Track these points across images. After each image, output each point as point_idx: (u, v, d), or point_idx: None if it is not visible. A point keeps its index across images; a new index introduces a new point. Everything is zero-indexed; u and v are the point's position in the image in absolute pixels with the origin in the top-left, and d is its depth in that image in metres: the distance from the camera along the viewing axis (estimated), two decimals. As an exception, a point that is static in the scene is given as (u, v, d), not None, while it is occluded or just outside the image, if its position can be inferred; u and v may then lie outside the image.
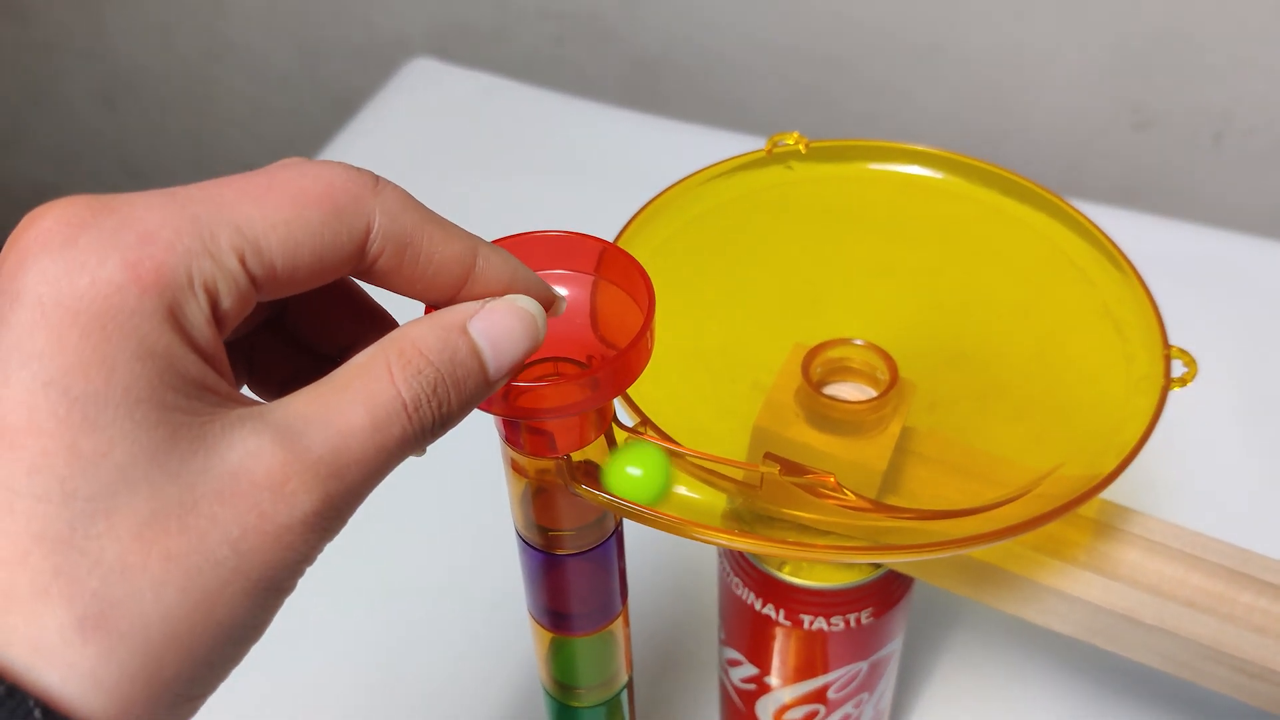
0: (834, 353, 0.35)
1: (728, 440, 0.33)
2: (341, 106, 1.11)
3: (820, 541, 0.30)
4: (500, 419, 0.26)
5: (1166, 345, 0.32)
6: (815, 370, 0.35)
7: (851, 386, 0.36)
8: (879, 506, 0.29)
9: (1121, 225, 0.68)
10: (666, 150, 0.72)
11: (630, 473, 0.29)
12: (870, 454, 0.34)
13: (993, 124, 0.95)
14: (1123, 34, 0.87)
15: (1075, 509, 0.29)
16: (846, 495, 0.28)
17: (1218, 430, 0.55)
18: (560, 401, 0.24)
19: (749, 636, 0.39)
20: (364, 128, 0.74)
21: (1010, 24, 0.88)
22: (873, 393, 0.36)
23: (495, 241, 0.27)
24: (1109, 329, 0.33)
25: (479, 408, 0.24)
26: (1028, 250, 0.36)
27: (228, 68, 1.14)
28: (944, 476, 0.36)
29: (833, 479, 0.28)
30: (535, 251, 0.27)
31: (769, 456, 0.29)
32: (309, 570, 0.21)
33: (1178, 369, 0.31)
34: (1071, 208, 0.35)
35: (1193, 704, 0.46)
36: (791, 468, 0.28)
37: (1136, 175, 0.96)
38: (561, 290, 0.27)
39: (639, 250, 0.36)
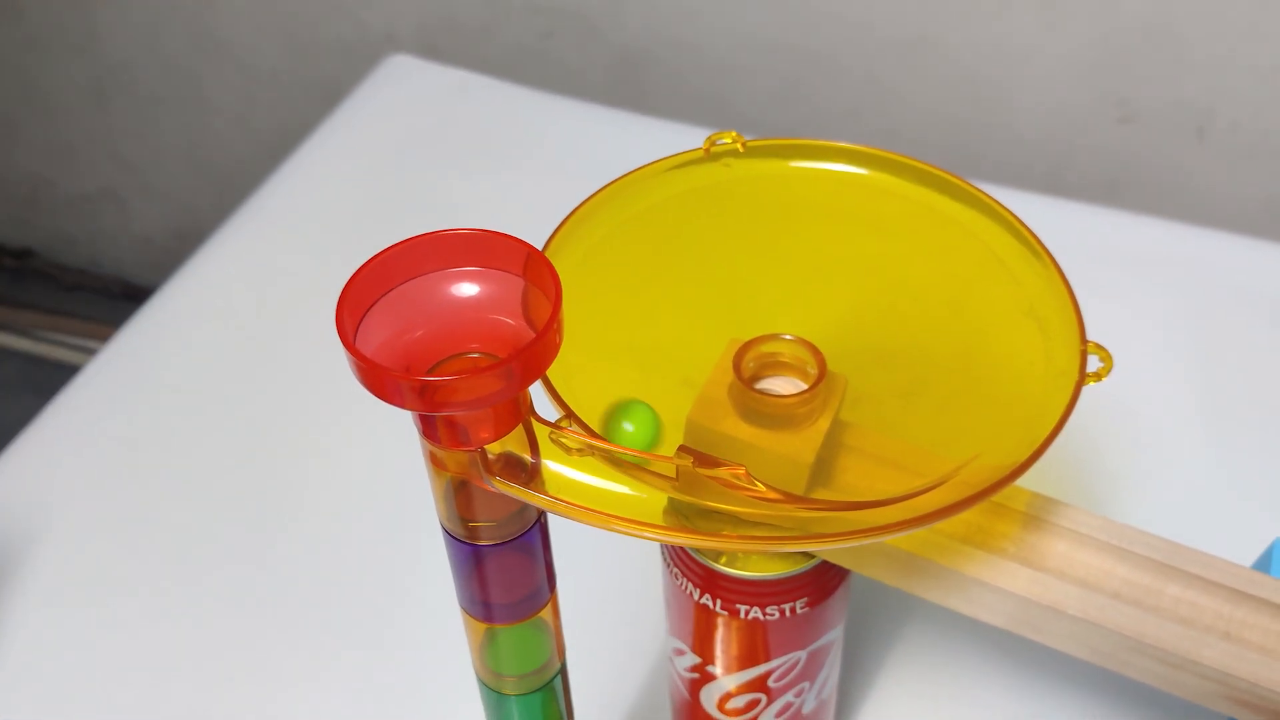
0: (765, 348, 0.36)
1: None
2: (331, 101, 1.12)
3: (733, 531, 0.31)
4: (416, 414, 0.27)
5: (1084, 341, 0.32)
6: (747, 365, 0.36)
7: (784, 380, 0.37)
8: (789, 498, 0.30)
9: (1100, 220, 0.69)
10: (647, 148, 0.72)
11: (624, 429, 0.32)
12: (798, 447, 0.35)
13: (976, 118, 0.96)
14: (1107, 28, 0.88)
15: (986, 498, 0.30)
16: (757, 487, 0.29)
17: (1156, 423, 0.56)
18: (471, 395, 0.25)
19: (690, 626, 0.40)
20: (340, 126, 0.75)
21: (994, 18, 0.89)
22: (804, 386, 0.37)
23: (413, 240, 0.28)
24: (1032, 326, 0.34)
25: (394, 404, 0.25)
26: (957, 248, 0.37)
27: (217, 63, 1.15)
28: (873, 468, 0.36)
29: (743, 470, 0.29)
30: (455, 249, 0.28)
31: (683, 449, 0.30)
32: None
33: (1094, 364, 0.32)
34: (1000, 206, 0.36)
35: (1136, 696, 0.47)
36: (704, 460, 0.29)
37: (1120, 170, 0.96)
38: (475, 286, 0.28)
39: (575, 248, 0.37)
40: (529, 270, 0.28)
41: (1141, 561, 0.36)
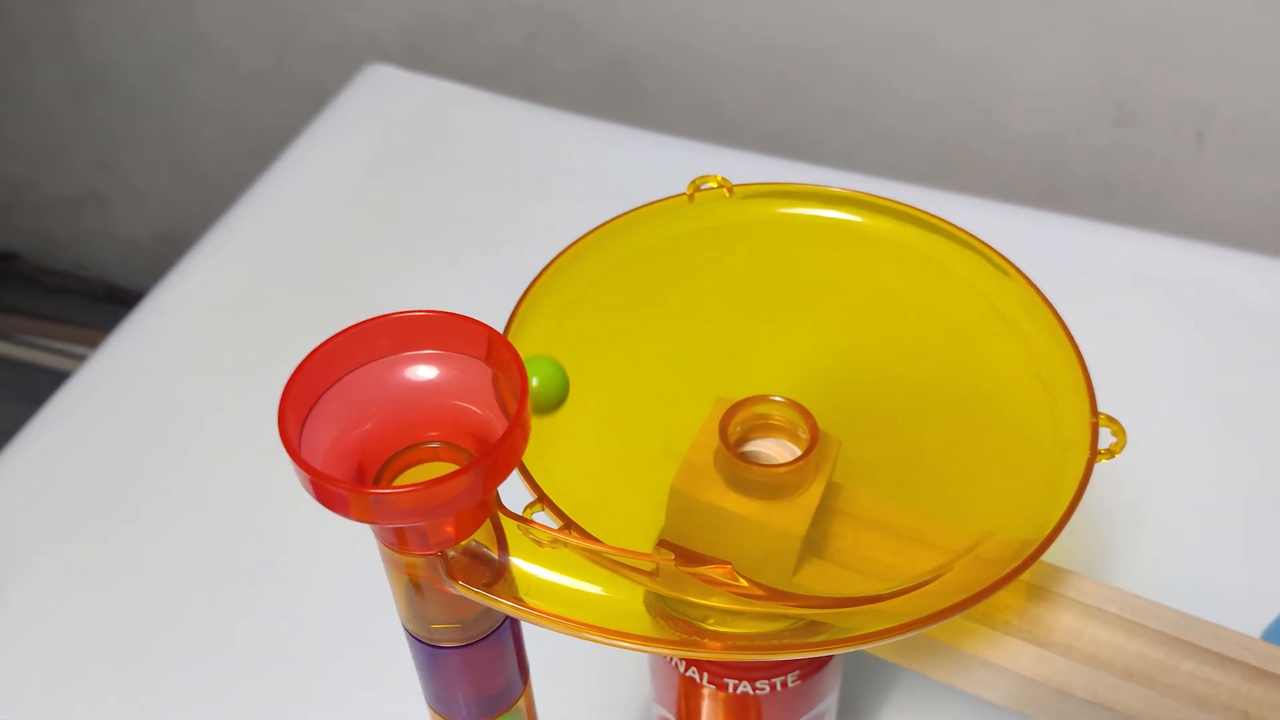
0: (753, 410, 0.33)
1: (641, 512, 0.31)
2: (316, 103, 1.09)
3: (719, 627, 0.28)
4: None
5: (1095, 413, 0.30)
6: (733, 430, 0.33)
7: (774, 443, 0.34)
8: (776, 595, 0.28)
9: (1092, 236, 0.67)
10: (635, 162, 0.70)
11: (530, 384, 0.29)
12: (790, 518, 0.32)
13: (971, 120, 0.93)
14: (1105, 30, 0.85)
15: (989, 595, 0.28)
16: (741, 583, 0.27)
17: (1166, 482, 0.52)
18: (431, 504, 0.23)
19: (675, 697, 0.38)
20: (317, 140, 0.72)
21: (991, 19, 0.86)
22: (795, 450, 0.34)
23: (363, 325, 0.25)
24: (1038, 389, 0.31)
25: (346, 517, 0.23)
26: (957, 301, 0.34)
27: (199, 64, 1.12)
28: (872, 537, 0.34)
29: (729, 568, 0.27)
30: (410, 333, 0.25)
31: (663, 544, 0.27)
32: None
33: (1106, 438, 0.29)
34: (1002, 257, 0.33)
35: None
36: (687, 557, 0.27)
37: (1117, 172, 0.94)
38: (434, 369, 0.25)
39: (548, 307, 0.34)
40: (492, 355, 0.25)
41: (1154, 636, 0.34)
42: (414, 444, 0.26)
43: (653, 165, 0.69)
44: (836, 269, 0.35)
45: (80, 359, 1.28)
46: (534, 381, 0.31)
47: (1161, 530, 0.49)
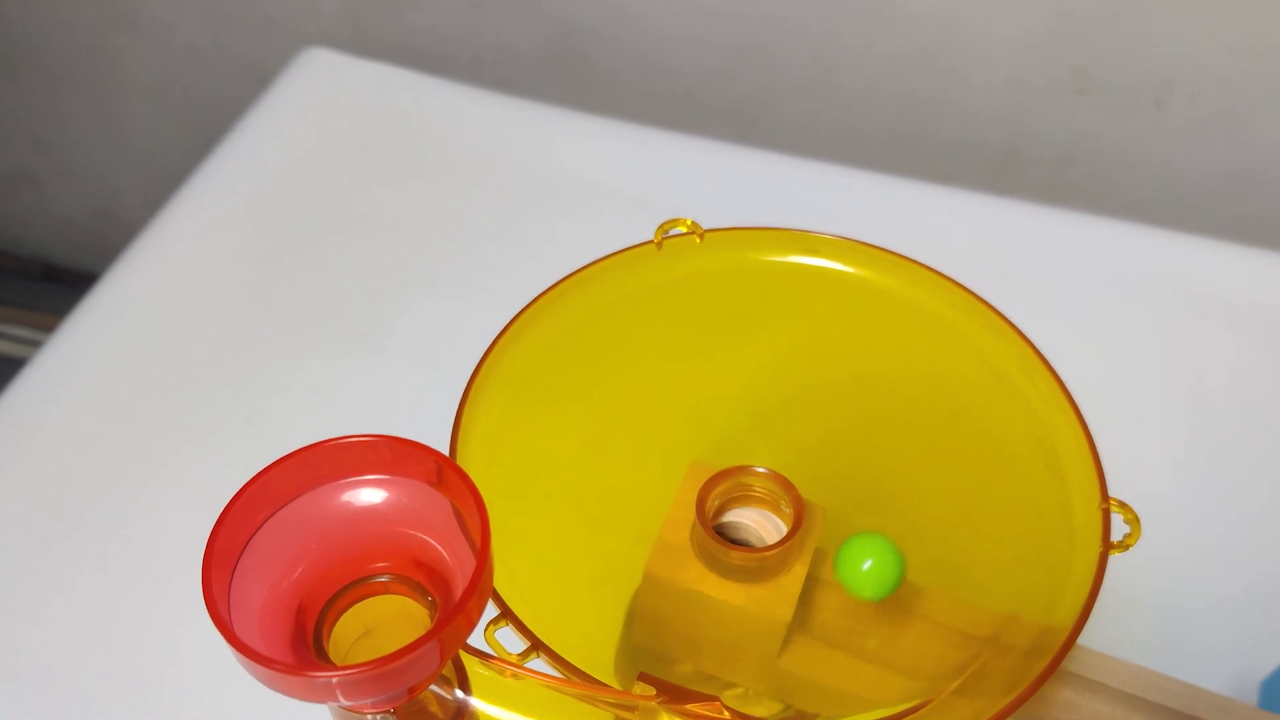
0: (732, 482, 0.31)
1: (613, 612, 0.29)
2: (255, 78, 1.04)
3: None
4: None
5: (1105, 498, 0.27)
6: (711, 503, 0.30)
7: (754, 513, 0.32)
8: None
9: (1052, 221, 0.64)
10: (588, 149, 0.66)
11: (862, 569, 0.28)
12: (775, 601, 0.30)
13: (931, 89, 0.90)
14: (1065, -3, 0.82)
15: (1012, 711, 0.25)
16: (726, 717, 0.24)
17: (1170, 540, 0.47)
18: (388, 685, 0.20)
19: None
20: (252, 133, 0.67)
21: (948, -14, 0.83)
22: (776, 521, 0.31)
23: (299, 454, 0.22)
24: (1040, 464, 0.29)
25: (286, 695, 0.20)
26: (950, 360, 0.31)
27: (132, 38, 1.06)
28: (863, 611, 0.31)
29: (718, 703, 0.24)
30: (349, 459, 0.22)
31: (644, 678, 0.24)
32: None
33: (1118, 525, 0.27)
34: (998, 313, 0.30)
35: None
36: (674, 693, 0.24)
37: (1078, 140, 0.91)
38: (379, 495, 0.22)
39: (507, 375, 0.31)
40: (445, 483, 0.22)
41: (1155, 709, 0.31)
42: (360, 578, 0.23)
43: (606, 153, 0.66)
44: (819, 321, 0.32)
45: (17, 340, 1.22)
46: (866, 565, 0.28)
47: (1174, 592, 0.45)
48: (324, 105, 0.69)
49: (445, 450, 0.30)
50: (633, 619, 0.32)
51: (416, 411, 0.52)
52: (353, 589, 0.23)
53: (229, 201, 0.64)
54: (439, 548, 0.22)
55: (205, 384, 0.54)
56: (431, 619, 0.22)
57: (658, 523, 0.30)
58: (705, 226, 0.32)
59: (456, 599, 0.21)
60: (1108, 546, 0.26)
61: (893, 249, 0.32)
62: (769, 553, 0.29)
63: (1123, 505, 0.27)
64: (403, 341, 0.56)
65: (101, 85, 1.12)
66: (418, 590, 0.23)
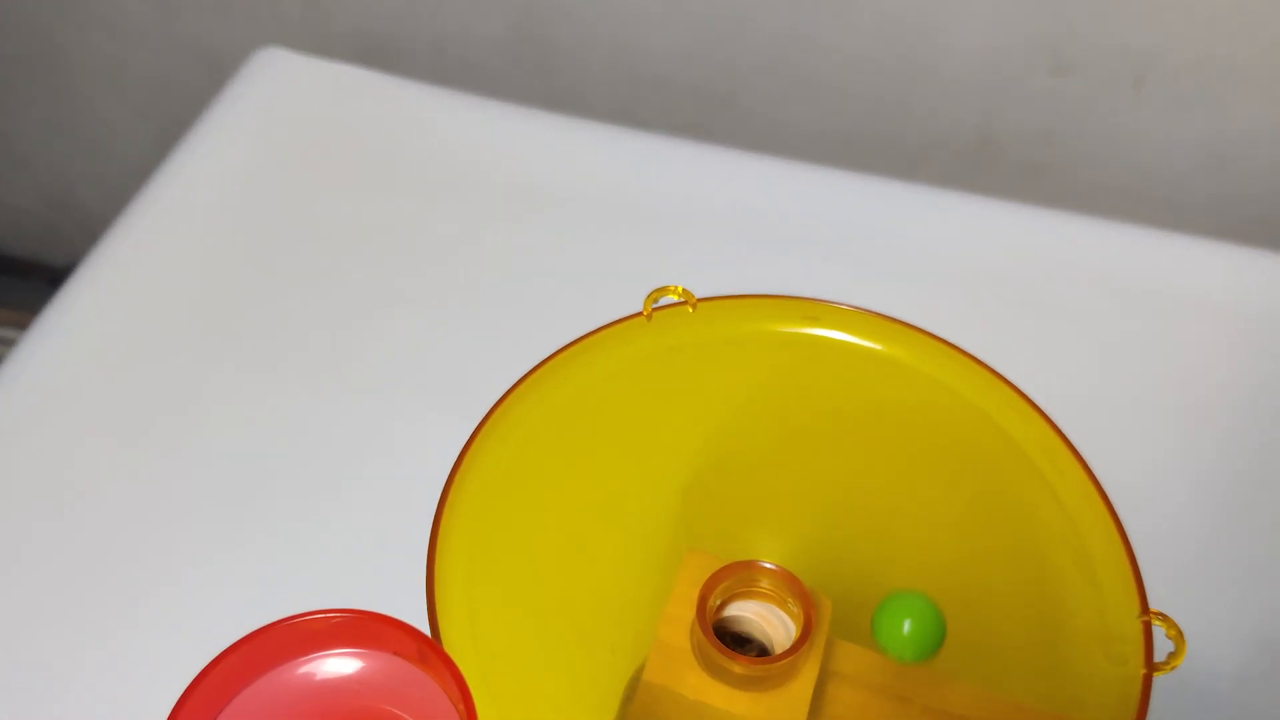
0: (735, 579, 0.28)
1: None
2: (208, 64, 1.00)
3: None
4: None
5: (1146, 609, 0.25)
6: (712, 602, 0.28)
7: (758, 605, 0.29)
8: None
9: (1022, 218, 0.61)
10: (558, 153, 0.63)
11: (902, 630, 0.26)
12: (785, 711, 0.27)
13: (903, 67, 0.88)
14: (1041, -28, 0.80)
15: None
16: None
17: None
18: None
19: None
20: (208, 141, 0.64)
21: (922, -36, 0.80)
22: (782, 616, 0.29)
23: (271, 628, 0.19)
24: (1070, 564, 0.26)
25: None
26: (969, 441, 0.28)
27: (81, 24, 1.02)
28: (879, 705, 0.29)
29: None
30: (326, 635, 0.19)
31: None
32: None
33: (1160, 640, 0.24)
34: (1019, 391, 0.28)
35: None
36: None
37: (1055, 121, 0.89)
38: (350, 667, 0.19)
39: (492, 461, 0.28)
40: (426, 663, 0.19)
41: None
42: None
43: (577, 155, 0.62)
44: (826, 399, 0.30)
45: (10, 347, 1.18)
46: (906, 627, 0.25)
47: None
48: (282, 109, 0.65)
49: (427, 534, 0.27)
50: (627, 707, 0.30)
51: (382, 441, 0.49)
52: (326, 770, 0.20)
53: (182, 217, 0.61)
54: (421, 722, 0.20)
55: (152, 419, 0.51)
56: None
57: (655, 618, 0.27)
58: (694, 293, 0.30)
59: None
60: (1151, 667, 0.24)
61: (904, 319, 0.29)
62: (779, 663, 0.27)
63: (1163, 617, 0.24)
64: (369, 364, 0.53)
65: (51, 72, 1.07)
66: (398, 767, 0.20)
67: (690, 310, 0.29)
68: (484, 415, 0.28)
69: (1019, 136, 0.90)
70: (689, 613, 0.28)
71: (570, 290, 0.54)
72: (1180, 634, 0.24)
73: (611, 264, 0.55)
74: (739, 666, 0.27)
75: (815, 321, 0.29)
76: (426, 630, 0.25)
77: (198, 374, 0.53)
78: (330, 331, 0.54)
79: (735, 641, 0.30)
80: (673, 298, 0.29)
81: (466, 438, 0.28)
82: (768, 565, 0.28)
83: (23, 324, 0.66)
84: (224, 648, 0.20)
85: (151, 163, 0.69)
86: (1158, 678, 0.24)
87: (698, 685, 0.27)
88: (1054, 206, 0.68)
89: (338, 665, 0.20)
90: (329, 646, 0.20)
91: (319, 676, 0.20)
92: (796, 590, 0.28)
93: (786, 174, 0.63)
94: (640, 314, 0.29)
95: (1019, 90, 0.87)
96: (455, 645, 0.24)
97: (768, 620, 0.29)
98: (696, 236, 0.57)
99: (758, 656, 0.29)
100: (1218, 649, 0.37)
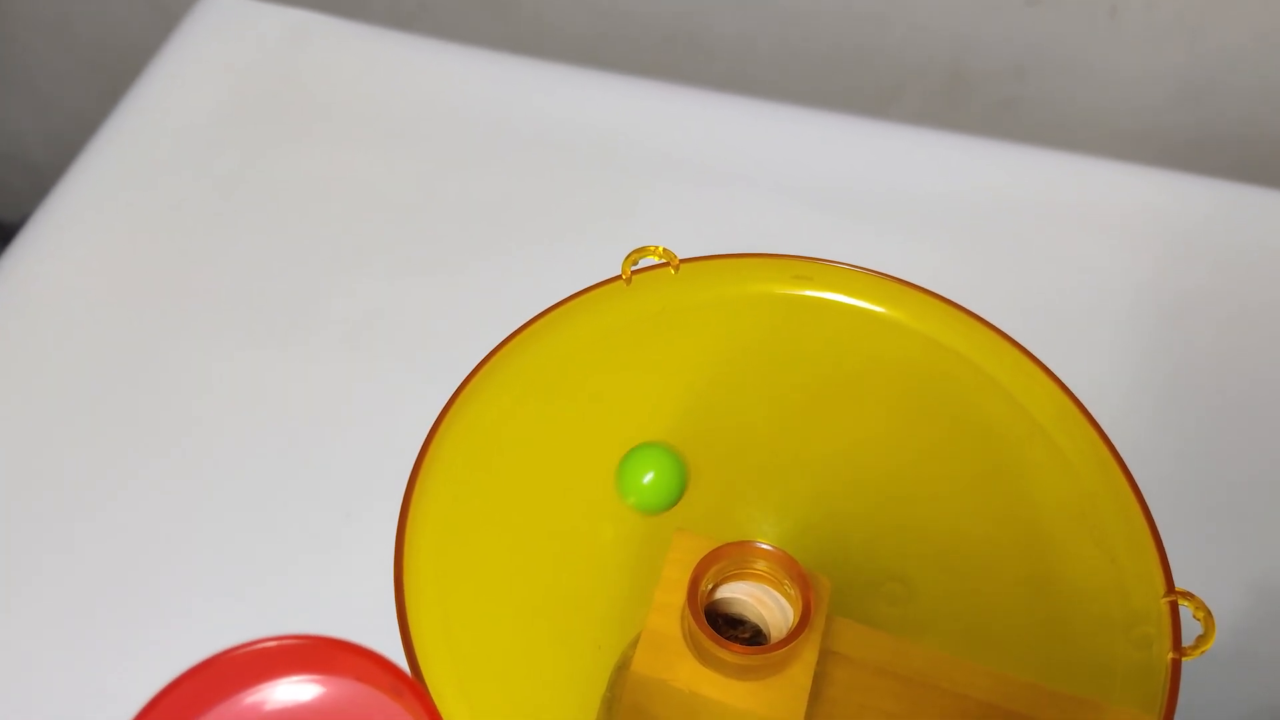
0: (728, 561, 0.26)
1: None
2: (155, 11, 0.95)
3: None
4: None
5: (1171, 589, 0.23)
6: (704, 587, 0.26)
7: (751, 586, 0.27)
8: None
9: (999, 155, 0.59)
10: (522, 96, 0.60)
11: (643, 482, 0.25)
12: (783, 700, 0.25)
13: (874, 6, 0.85)
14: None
15: None
16: None
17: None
18: None
19: None
20: (155, 92, 0.60)
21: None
22: (778, 597, 0.27)
23: (224, 656, 0.17)
24: (1087, 541, 0.24)
25: None
26: (975, 407, 0.26)
27: (18, -30, 0.97)
28: (879, 684, 0.27)
29: None
30: (285, 661, 0.17)
31: None
32: None
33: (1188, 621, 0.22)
34: (1027, 352, 0.26)
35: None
36: None
37: (1028, 55, 0.87)
38: (314, 691, 0.17)
39: (461, 446, 0.26)
40: (393, 691, 0.17)
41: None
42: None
43: (538, 97, 0.59)
44: (821, 364, 0.27)
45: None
46: (647, 477, 0.23)
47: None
48: (233, 57, 0.62)
49: (393, 537, 0.25)
50: (613, 706, 0.28)
51: (345, 405, 0.47)
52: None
53: (133, 170, 0.57)
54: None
55: (103, 385, 0.48)
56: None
57: (643, 610, 0.25)
58: (675, 253, 0.27)
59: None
60: (1180, 651, 0.22)
61: (893, 274, 0.27)
62: (776, 651, 0.25)
63: (1189, 596, 0.22)
64: (331, 327, 0.50)
65: (-10, 23, 1.02)
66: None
67: (673, 272, 0.27)
68: (452, 394, 0.25)
69: (991, 70, 0.88)
70: (678, 599, 0.26)
71: (542, 247, 0.52)
72: (1209, 614, 0.22)
73: (584, 218, 0.53)
74: (734, 656, 0.25)
75: (807, 281, 0.27)
76: (396, 632, 0.23)
77: (150, 335, 0.50)
78: (288, 295, 0.51)
79: (727, 623, 0.28)
80: (653, 259, 0.27)
81: (434, 414, 0.26)
82: (763, 546, 0.26)
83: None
84: (177, 662, 0.17)
85: (101, 115, 0.65)
86: (1186, 661, 0.22)
87: (690, 676, 0.25)
88: (1027, 143, 0.66)
89: (294, 693, 0.17)
90: (282, 674, 0.17)
91: (269, 707, 0.17)
92: (794, 573, 0.26)
93: (759, 114, 0.60)
94: (619, 277, 0.27)
95: (991, 24, 0.85)
96: (429, 650, 0.22)
97: (762, 601, 0.27)
98: (669, 182, 0.55)
99: (752, 640, 0.27)
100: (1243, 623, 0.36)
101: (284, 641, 0.17)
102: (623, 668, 0.26)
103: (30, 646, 0.40)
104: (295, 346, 0.49)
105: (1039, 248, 0.53)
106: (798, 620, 0.25)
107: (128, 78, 0.66)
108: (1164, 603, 0.23)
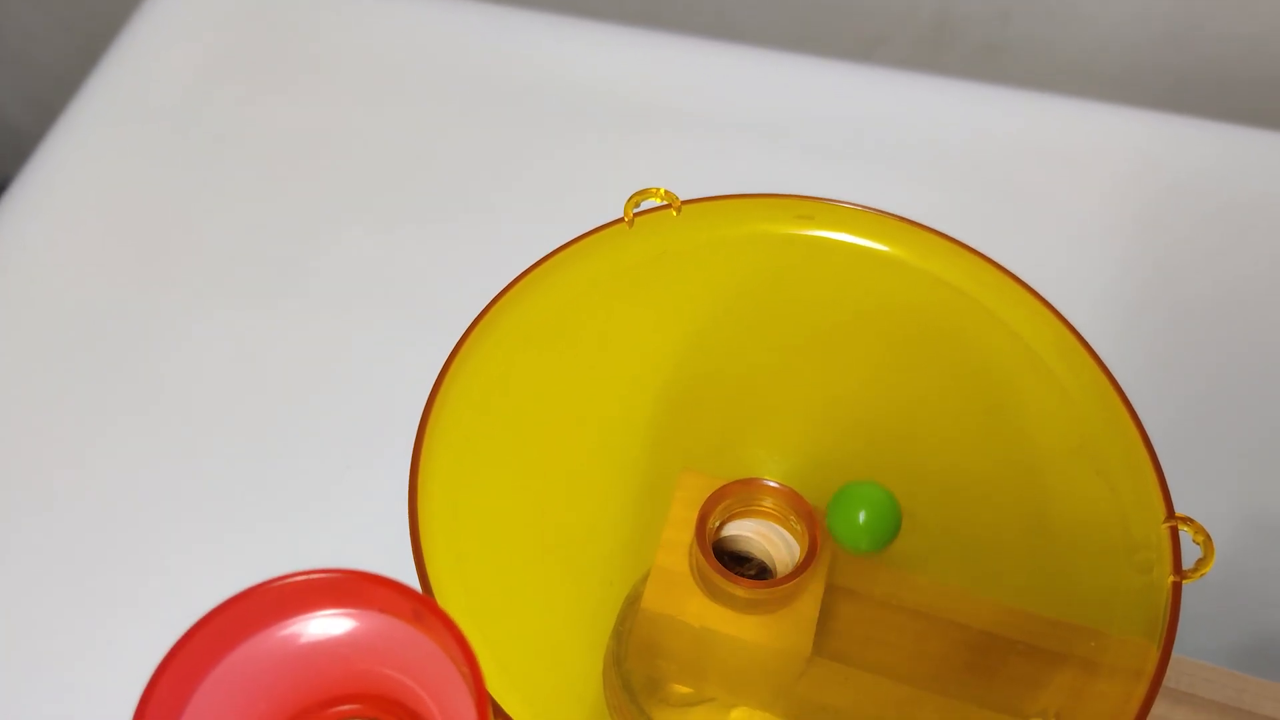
0: (734, 499, 0.26)
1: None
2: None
3: None
4: None
5: (1171, 514, 0.23)
6: (711, 524, 0.26)
7: (756, 524, 0.27)
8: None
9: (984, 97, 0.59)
10: (517, 48, 0.59)
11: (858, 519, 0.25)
12: (792, 632, 0.26)
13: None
14: None
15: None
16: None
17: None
18: None
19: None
20: (137, 48, 0.60)
21: None
22: (784, 534, 0.27)
23: (252, 591, 0.17)
24: (1087, 469, 0.25)
25: None
26: (979, 344, 0.27)
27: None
28: (883, 617, 0.27)
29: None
30: (313, 596, 0.17)
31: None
32: None
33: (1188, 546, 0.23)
34: (1030, 289, 0.26)
35: None
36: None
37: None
38: (340, 628, 0.18)
39: (469, 389, 0.26)
40: (420, 621, 0.17)
41: (1204, 704, 0.28)
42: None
43: (531, 48, 0.59)
44: (826, 303, 0.28)
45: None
46: (861, 517, 0.24)
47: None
48: (215, 11, 0.61)
49: (407, 483, 0.25)
50: (623, 638, 0.28)
51: (348, 370, 0.47)
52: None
53: (117, 130, 0.57)
54: (416, 687, 0.18)
55: (93, 346, 0.48)
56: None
57: (652, 547, 0.26)
58: (676, 195, 0.27)
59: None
60: (1180, 574, 0.22)
61: (895, 212, 0.27)
62: (783, 585, 0.25)
63: (1189, 521, 0.23)
64: (323, 285, 0.50)
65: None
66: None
67: (675, 214, 0.27)
68: (459, 339, 0.25)
69: (975, 13, 0.87)
70: (686, 536, 0.26)
71: (540, 196, 0.52)
72: (1209, 539, 0.22)
73: (580, 166, 0.53)
74: (742, 590, 0.25)
75: (810, 221, 0.27)
76: (413, 574, 0.23)
77: (140, 298, 0.50)
78: (284, 250, 0.51)
79: (733, 560, 0.28)
80: (655, 201, 0.27)
81: (437, 363, 0.26)
82: (770, 483, 0.26)
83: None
84: (191, 611, 0.18)
85: (79, 75, 0.64)
86: (1186, 584, 0.22)
87: (700, 611, 0.26)
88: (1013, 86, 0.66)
89: (325, 626, 0.18)
90: (313, 608, 0.18)
91: (304, 640, 0.18)
92: (800, 508, 0.26)
93: (744, 61, 0.60)
94: (621, 220, 0.27)
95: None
96: (444, 590, 0.22)
97: (768, 538, 0.28)
98: (657, 131, 0.55)
99: (758, 576, 0.28)
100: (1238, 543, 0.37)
101: (311, 576, 0.17)
102: (634, 601, 0.26)
103: (66, 591, 0.41)
104: (293, 300, 0.49)
105: (1026, 190, 0.54)
106: (804, 554, 0.26)
107: (105, 36, 0.65)
108: (1164, 528, 0.23)
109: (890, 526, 0.26)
